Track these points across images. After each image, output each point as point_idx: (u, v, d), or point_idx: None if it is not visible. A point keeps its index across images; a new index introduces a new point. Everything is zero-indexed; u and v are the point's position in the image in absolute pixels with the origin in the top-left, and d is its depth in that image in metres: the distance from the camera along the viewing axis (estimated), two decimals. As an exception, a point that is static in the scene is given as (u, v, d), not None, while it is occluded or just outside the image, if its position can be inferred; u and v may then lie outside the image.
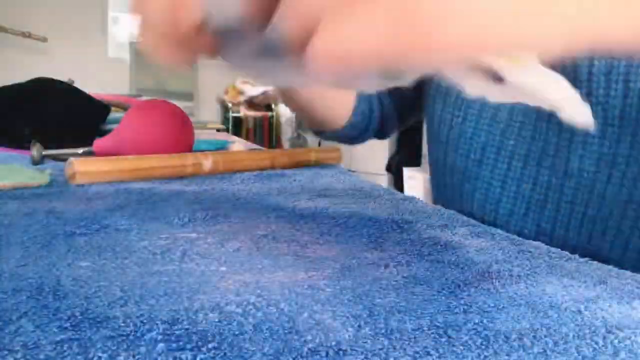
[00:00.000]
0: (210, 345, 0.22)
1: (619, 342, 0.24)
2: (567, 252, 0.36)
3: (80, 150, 0.64)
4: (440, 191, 0.61)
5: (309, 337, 0.23)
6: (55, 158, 0.65)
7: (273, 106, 4.50)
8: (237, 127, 4.35)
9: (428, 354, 0.22)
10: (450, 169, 0.57)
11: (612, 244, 0.46)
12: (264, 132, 4.44)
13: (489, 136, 0.52)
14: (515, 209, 0.50)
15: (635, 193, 0.43)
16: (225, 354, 0.21)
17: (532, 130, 0.49)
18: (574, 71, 0.44)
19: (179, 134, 0.67)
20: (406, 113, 0.72)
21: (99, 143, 0.65)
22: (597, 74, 0.43)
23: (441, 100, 0.57)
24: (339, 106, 0.67)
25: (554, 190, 0.48)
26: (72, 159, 0.52)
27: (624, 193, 0.44)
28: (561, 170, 0.47)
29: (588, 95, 0.43)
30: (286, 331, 0.23)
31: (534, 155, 0.49)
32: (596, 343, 0.23)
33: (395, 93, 0.69)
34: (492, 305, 0.27)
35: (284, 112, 4.52)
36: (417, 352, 0.22)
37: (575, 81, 0.44)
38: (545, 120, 0.48)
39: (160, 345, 0.21)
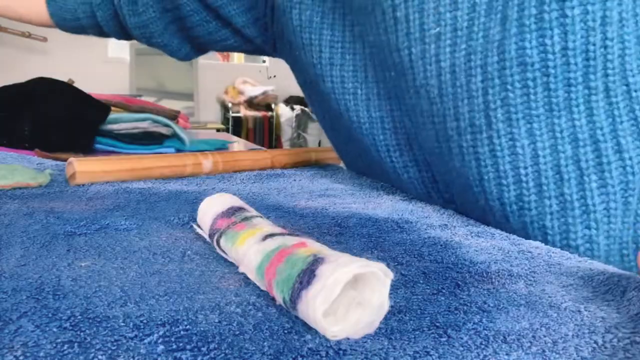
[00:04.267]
0: (210, 346, 0.22)
1: (618, 341, 0.24)
2: (566, 252, 0.37)
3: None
4: (356, 170, 0.67)
5: (309, 337, 0.23)
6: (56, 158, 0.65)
7: (273, 106, 4.50)
8: (237, 127, 4.35)
9: (428, 353, 0.22)
10: (360, 162, 0.63)
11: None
12: (264, 132, 4.44)
13: (364, 137, 0.55)
14: (418, 190, 0.54)
15: (471, 159, 0.45)
16: (225, 354, 0.21)
17: (391, 122, 0.53)
18: (400, 62, 0.47)
19: None
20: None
21: None
22: (415, 59, 0.46)
23: (312, 102, 0.63)
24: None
25: (431, 167, 0.52)
26: (72, 159, 0.52)
27: (469, 160, 0.46)
28: (425, 150, 0.51)
29: (413, 81, 0.47)
30: (286, 331, 0.23)
31: (403, 142, 0.53)
32: (595, 342, 0.23)
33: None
34: (492, 305, 0.27)
35: (284, 112, 4.52)
36: (417, 352, 0.22)
37: (401, 69, 0.48)
38: (396, 110, 0.52)
39: (161, 346, 0.21)
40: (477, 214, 0.47)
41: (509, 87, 0.41)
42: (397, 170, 0.54)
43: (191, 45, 0.73)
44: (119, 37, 0.75)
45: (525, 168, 0.42)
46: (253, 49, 0.73)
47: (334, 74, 0.56)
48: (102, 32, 0.74)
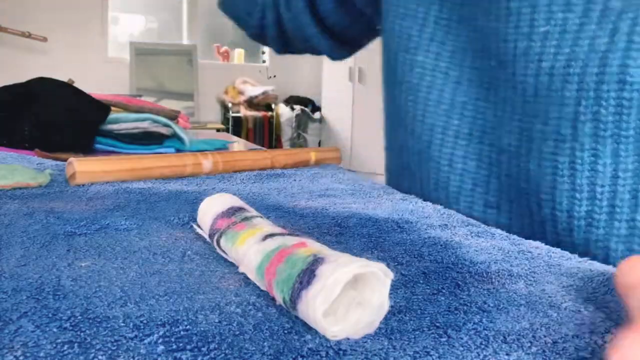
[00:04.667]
0: (210, 346, 0.22)
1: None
2: (566, 252, 0.36)
3: None
4: (397, 174, 0.63)
5: (309, 337, 0.23)
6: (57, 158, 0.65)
7: (273, 106, 4.50)
8: (237, 127, 4.35)
9: (428, 354, 0.22)
10: (407, 152, 0.59)
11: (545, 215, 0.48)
12: (264, 132, 4.44)
13: (435, 117, 0.54)
14: (464, 185, 0.53)
15: (548, 166, 0.45)
16: (225, 354, 0.21)
17: (472, 109, 0.52)
18: (504, 53, 0.46)
19: None
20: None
21: None
22: (519, 54, 0.45)
23: (396, 85, 0.59)
24: None
25: (494, 165, 0.50)
26: (72, 159, 0.52)
27: (546, 166, 0.45)
28: (497, 146, 0.50)
29: (512, 75, 0.46)
30: (286, 331, 0.23)
31: (476, 133, 0.52)
32: (595, 343, 0.23)
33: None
34: (492, 305, 0.27)
35: (284, 112, 4.52)
36: (417, 352, 0.22)
37: (503, 60, 0.47)
38: (482, 99, 0.51)
39: (161, 347, 0.21)
40: (526, 222, 0.47)
41: (602, 102, 0.40)
42: (454, 159, 0.53)
43: (332, 39, 0.76)
44: (277, 44, 0.78)
45: (602, 186, 0.41)
46: (365, 27, 0.74)
47: (431, 49, 0.54)
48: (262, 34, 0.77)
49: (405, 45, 0.56)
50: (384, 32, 0.62)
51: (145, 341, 0.22)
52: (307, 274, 0.23)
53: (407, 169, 0.60)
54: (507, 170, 0.49)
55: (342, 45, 0.78)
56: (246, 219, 0.33)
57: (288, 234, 0.29)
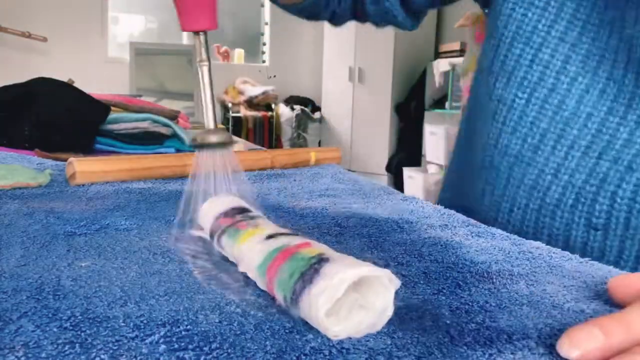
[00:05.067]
0: (212, 345, 0.22)
1: (622, 342, 0.23)
2: (567, 253, 0.36)
3: None
4: (464, 176, 0.58)
5: (311, 336, 0.23)
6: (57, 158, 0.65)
7: (273, 106, 4.50)
8: (237, 127, 4.35)
9: (432, 353, 0.22)
10: (501, 151, 0.54)
11: None
12: (264, 132, 4.44)
13: (552, 123, 0.49)
14: (564, 198, 0.48)
15: None
16: (227, 353, 0.21)
17: (599, 123, 0.47)
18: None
19: None
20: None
21: None
22: None
23: (505, 78, 0.53)
24: None
25: (610, 182, 0.45)
26: (72, 159, 0.52)
27: None
28: (624, 164, 0.45)
29: None
30: (287, 331, 0.23)
31: (596, 147, 0.47)
32: (599, 343, 0.23)
33: None
34: (494, 304, 0.27)
35: (284, 112, 4.52)
36: (422, 352, 0.22)
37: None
38: (618, 116, 0.46)
39: (162, 346, 0.21)
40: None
41: None
42: (560, 169, 0.48)
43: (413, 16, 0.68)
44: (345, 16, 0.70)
45: None
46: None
47: (560, 49, 0.49)
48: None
49: (527, 37, 0.51)
50: (497, 16, 0.54)
51: (147, 341, 0.22)
52: (311, 273, 0.23)
53: (485, 169, 0.54)
54: (631, 192, 0.44)
55: (418, 16, 0.69)
56: (249, 218, 0.33)
57: (292, 234, 0.29)
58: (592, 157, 0.46)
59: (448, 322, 0.25)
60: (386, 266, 0.32)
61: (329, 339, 0.22)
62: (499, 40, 0.53)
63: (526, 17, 0.51)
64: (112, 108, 0.80)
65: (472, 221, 0.44)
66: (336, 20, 0.71)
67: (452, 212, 0.47)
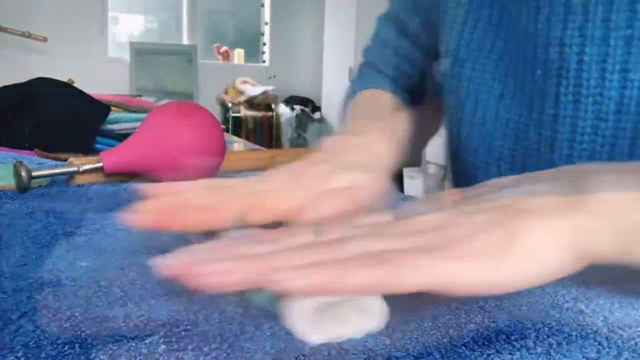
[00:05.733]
0: (212, 346, 0.22)
1: (623, 342, 0.23)
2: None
3: (85, 167, 0.50)
4: None
5: (311, 337, 0.23)
6: (56, 158, 0.64)
7: (273, 106, 4.50)
8: (237, 127, 4.35)
9: (430, 354, 0.22)
10: (458, 173, 0.55)
11: None
12: (264, 132, 4.44)
13: (480, 138, 0.48)
14: None
15: None
16: (227, 354, 0.21)
17: (515, 128, 0.45)
18: (559, 59, 0.40)
19: (216, 153, 0.53)
20: None
21: (109, 159, 0.51)
22: (589, 61, 0.38)
23: (450, 99, 0.53)
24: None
25: None
26: (72, 159, 0.52)
27: None
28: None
29: (576, 87, 0.39)
30: (287, 331, 0.23)
31: (519, 155, 0.46)
32: (600, 344, 0.23)
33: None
34: (493, 305, 0.27)
35: (284, 112, 4.52)
36: (420, 352, 0.22)
37: (561, 71, 0.40)
38: (525, 117, 0.44)
39: (162, 346, 0.21)
40: None
41: None
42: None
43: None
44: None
45: None
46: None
47: (479, 60, 0.47)
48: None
49: (453, 57, 0.50)
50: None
51: (147, 341, 0.22)
52: None
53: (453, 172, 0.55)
54: None
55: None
56: None
57: None
58: (518, 167, 0.46)
59: (447, 322, 0.25)
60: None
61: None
62: (443, 67, 0.53)
63: (451, 37, 0.50)
64: (112, 108, 0.80)
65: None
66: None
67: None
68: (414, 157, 0.58)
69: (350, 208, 0.31)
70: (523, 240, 0.23)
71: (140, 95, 1.21)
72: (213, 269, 0.22)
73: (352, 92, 0.60)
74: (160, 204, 0.30)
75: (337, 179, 0.34)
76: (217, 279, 0.21)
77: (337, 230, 0.27)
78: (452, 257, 0.22)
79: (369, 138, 0.41)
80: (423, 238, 0.24)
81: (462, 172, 0.53)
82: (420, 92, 0.60)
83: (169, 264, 0.22)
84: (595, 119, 0.39)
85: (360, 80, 0.62)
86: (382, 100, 0.55)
